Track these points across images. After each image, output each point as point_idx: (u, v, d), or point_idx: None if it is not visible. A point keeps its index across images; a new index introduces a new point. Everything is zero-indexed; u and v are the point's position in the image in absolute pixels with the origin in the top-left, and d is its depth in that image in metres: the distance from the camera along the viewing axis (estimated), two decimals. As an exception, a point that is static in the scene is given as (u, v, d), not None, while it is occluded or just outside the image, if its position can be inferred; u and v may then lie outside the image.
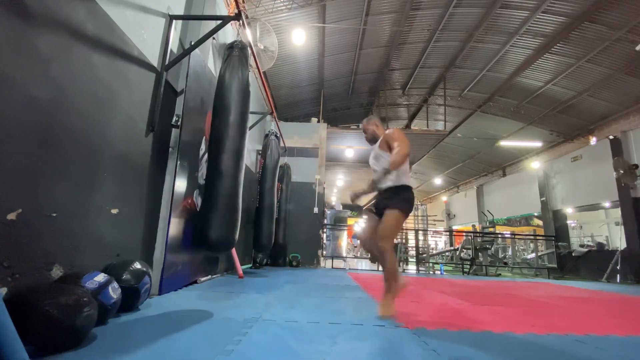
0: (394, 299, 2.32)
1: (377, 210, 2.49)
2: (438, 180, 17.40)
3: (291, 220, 7.15)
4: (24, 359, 0.99)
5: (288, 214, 6.96)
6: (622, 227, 8.12)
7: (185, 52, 2.94)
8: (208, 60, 3.67)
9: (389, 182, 2.42)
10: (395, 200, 2.37)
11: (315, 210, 7.56)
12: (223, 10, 4.29)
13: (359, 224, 17.09)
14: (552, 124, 9.99)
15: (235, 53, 3.13)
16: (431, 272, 8.01)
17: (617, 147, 8.48)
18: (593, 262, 8.43)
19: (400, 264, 8.93)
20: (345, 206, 15.67)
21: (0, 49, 1.40)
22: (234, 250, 4.50)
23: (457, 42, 7.70)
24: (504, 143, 11.16)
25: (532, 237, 10.67)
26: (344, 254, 11.18)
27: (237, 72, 3.06)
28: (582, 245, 10.10)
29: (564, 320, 2.54)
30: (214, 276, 4.15)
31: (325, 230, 10.38)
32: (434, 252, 11.88)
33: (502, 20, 6.83)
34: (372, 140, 2.67)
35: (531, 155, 11.93)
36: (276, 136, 5.73)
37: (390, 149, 2.41)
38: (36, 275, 1.59)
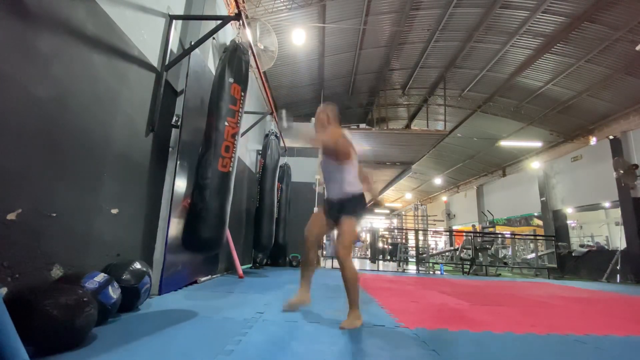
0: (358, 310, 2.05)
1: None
2: (438, 180, 17.37)
3: (291, 220, 7.14)
4: (24, 359, 0.99)
5: (288, 214, 6.95)
6: (622, 227, 8.12)
7: (185, 52, 2.94)
8: (208, 60, 3.67)
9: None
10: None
11: (316, 210, 7.55)
12: (223, 10, 4.28)
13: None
14: (552, 124, 9.98)
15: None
16: (431, 272, 8.01)
17: (617, 147, 8.48)
18: (593, 262, 8.43)
19: (400, 264, 8.93)
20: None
21: (0, 49, 1.40)
22: (234, 250, 4.50)
23: (457, 42, 7.69)
24: (504, 143, 11.15)
25: (532, 237, 10.67)
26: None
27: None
28: (582, 245, 10.10)
29: (564, 320, 2.54)
30: (214, 276, 4.14)
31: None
32: (434, 252, 11.90)
33: (502, 20, 6.83)
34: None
35: (531, 155, 11.92)
36: (276, 136, 5.72)
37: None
38: (36, 275, 1.59)
